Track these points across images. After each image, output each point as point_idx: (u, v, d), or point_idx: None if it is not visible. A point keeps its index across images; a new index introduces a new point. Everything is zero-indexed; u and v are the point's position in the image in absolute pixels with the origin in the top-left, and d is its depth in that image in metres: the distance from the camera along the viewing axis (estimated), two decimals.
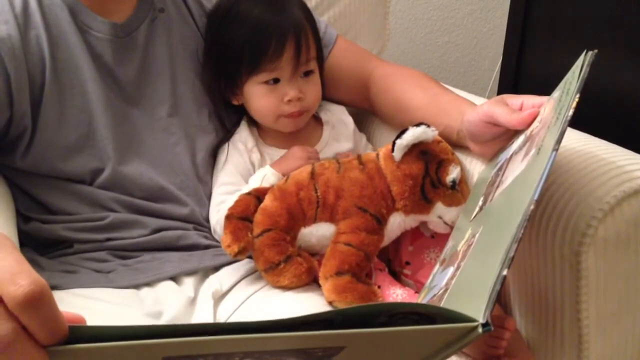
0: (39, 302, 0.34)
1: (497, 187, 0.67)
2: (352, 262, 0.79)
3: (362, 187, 0.82)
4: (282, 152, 0.96)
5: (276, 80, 0.92)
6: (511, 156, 0.70)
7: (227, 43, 0.93)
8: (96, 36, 0.87)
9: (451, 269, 0.61)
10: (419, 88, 0.97)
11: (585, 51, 0.65)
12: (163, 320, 0.79)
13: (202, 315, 0.81)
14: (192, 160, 0.95)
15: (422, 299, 0.65)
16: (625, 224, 0.68)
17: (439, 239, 0.86)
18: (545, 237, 0.71)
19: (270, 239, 0.81)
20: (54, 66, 0.85)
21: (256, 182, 0.91)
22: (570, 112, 0.57)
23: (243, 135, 0.98)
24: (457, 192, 0.82)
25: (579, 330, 0.71)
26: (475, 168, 0.86)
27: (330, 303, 0.78)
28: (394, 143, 0.82)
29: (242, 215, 0.82)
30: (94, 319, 0.37)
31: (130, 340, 0.34)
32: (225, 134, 0.99)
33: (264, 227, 0.82)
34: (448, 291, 0.56)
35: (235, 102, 0.98)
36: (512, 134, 0.76)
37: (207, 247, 0.90)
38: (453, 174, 0.81)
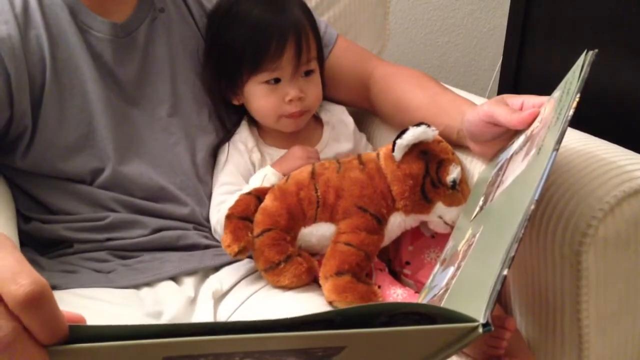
0: (39, 302, 0.34)
1: (498, 187, 0.67)
2: (352, 262, 0.79)
3: (362, 187, 0.82)
4: (283, 152, 0.96)
5: (277, 80, 0.92)
6: (511, 156, 0.70)
7: (227, 43, 0.93)
8: (96, 36, 0.87)
9: (451, 269, 0.61)
10: (419, 88, 0.97)
11: (585, 51, 0.65)
12: (163, 320, 0.79)
13: (202, 315, 0.81)
14: (192, 160, 0.95)
15: (423, 299, 0.65)
16: (626, 224, 0.68)
17: (439, 239, 0.86)
18: (546, 237, 0.71)
19: (270, 238, 0.81)
20: (54, 66, 0.85)
21: (257, 182, 0.91)
22: (571, 112, 0.57)
23: (243, 135, 0.98)
24: (457, 192, 0.82)
25: (579, 330, 0.71)
26: (475, 168, 0.86)
27: (330, 303, 0.78)
28: (394, 143, 0.82)
29: (242, 215, 0.82)
30: (94, 319, 0.37)
31: (130, 339, 0.34)
32: (226, 134, 0.99)
33: (264, 226, 0.82)
34: (448, 291, 0.56)
35: (235, 102, 0.98)
36: (512, 134, 0.76)
37: (207, 247, 0.90)
38: (453, 173, 0.81)
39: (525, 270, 0.75)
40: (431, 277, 0.70)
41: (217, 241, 0.90)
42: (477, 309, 0.40)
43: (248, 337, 0.36)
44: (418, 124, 0.81)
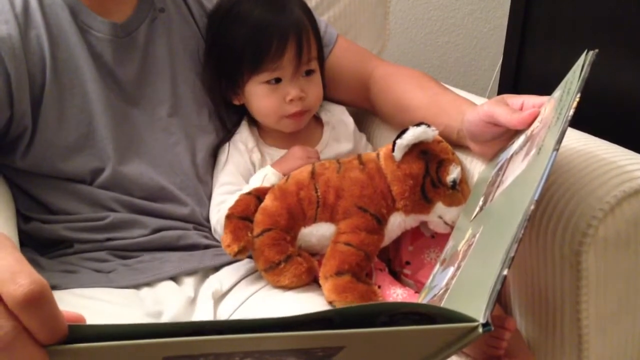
0: (39, 302, 0.34)
1: (498, 187, 0.67)
2: (352, 262, 0.79)
3: (362, 187, 0.82)
4: (283, 152, 0.96)
5: (278, 80, 0.92)
6: (511, 156, 0.70)
7: (228, 43, 0.93)
8: (96, 36, 0.87)
9: (451, 269, 0.61)
10: (419, 88, 0.97)
11: (585, 51, 0.65)
12: (163, 320, 0.79)
13: (202, 315, 0.81)
14: (192, 160, 0.95)
15: (423, 299, 0.65)
16: (626, 224, 0.68)
17: (439, 239, 0.86)
18: (546, 237, 0.71)
19: (270, 238, 0.81)
20: (54, 66, 0.85)
21: (257, 182, 0.91)
22: (571, 112, 0.57)
23: (244, 135, 0.98)
24: (457, 192, 0.82)
25: (579, 330, 0.71)
26: (475, 168, 0.86)
27: (330, 303, 0.78)
28: (394, 143, 0.82)
29: (242, 215, 0.82)
30: (94, 319, 0.37)
31: (129, 339, 0.34)
32: (226, 134, 0.99)
33: (264, 226, 0.82)
34: (448, 291, 0.56)
35: (236, 102, 0.98)
36: (512, 134, 0.76)
37: (207, 247, 0.90)
38: (453, 173, 0.81)
39: (525, 270, 0.75)
40: (431, 277, 0.70)
41: (217, 241, 0.90)
42: (477, 309, 0.40)
43: (248, 337, 0.36)
44: (418, 124, 0.81)
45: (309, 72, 0.94)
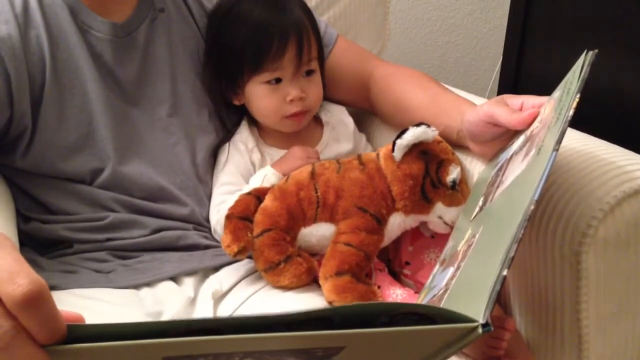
0: (37, 302, 0.34)
1: (497, 187, 0.67)
2: (352, 262, 0.79)
3: (362, 187, 0.82)
4: (283, 152, 0.96)
5: (278, 80, 0.92)
6: (511, 156, 0.70)
7: (228, 43, 0.93)
8: (96, 36, 0.87)
9: (451, 269, 0.61)
10: (419, 88, 0.97)
11: (585, 51, 0.65)
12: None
13: (202, 315, 0.81)
14: (192, 160, 0.95)
15: (422, 299, 0.65)
16: (625, 224, 0.68)
17: (439, 239, 0.86)
18: (545, 237, 0.71)
19: (270, 238, 0.81)
20: (54, 66, 0.85)
21: (257, 182, 0.91)
22: (571, 112, 0.57)
23: (244, 136, 0.98)
24: (457, 192, 0.82)
25: (579, 330, 0.71)
26: (475, 168, 0.86)
27: (330, 303, 0.78)
28: (394, 143, 0.82)
29: (242, 215, 0.82)
30: (94, 319, 0.37)
31: (129, 338, 0.34)
32: (226, 134, 0.99)
33: (264, 227, 0.82)
34: (448, 291, 0.56)
35: (236, 102, 0.98)
36: (512, 134, 0.76)
37: (207, 247, 0.90)
38: (453, 174, 0.81)
39: (525, 271, 0.75)
40: (431, 278, 0.70)
41: (217, 241, 0.90)
42: (477, 309, 0.40)
43: (248, 337, 0.35)
44: (418, 124, 0.81)
45: (309, 72, 0.94)
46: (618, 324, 0.73)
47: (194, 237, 0.90)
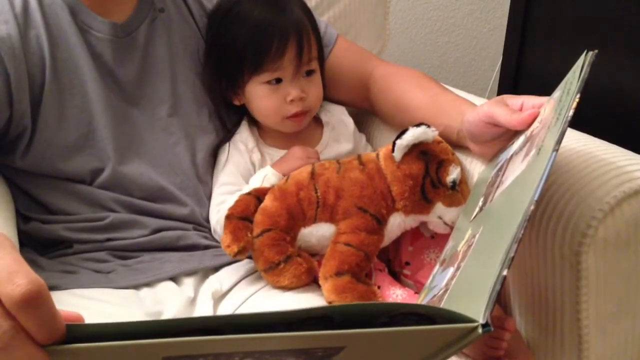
0: (36, 302, 0.34)
1: (497, 187, 0.67)
2: (352, 263, 0.79)
3: (362, 187, 0.82)
4: (283, 152, 0.96)
5: (278, 80, 0.92)
6: (511, 156, 0.70)
7: (228, 43, 0.93)
8: (96, 36, 0.87)
9: (451, 270, 0.61)
10: (419, 88, 0.97)
11: (585, 51, 0.65)
12: None
13: (202, 315, 0.81)
14: (192, 160, 0.95)
15: (422, 299, 0.65)
16: (625, 224, 0.68)
17: (439, 240, 0.86)
18: (545, 237, 0.71)
19: (270, 239, 0.81)
20: (54, 66, 0.85)
21: (257, 182, 0.91)
22: (571, 113, 0.57)
23: (244, 136, 0.98)
24: (457, 193, 0.82)
25: (579, 330, 0.71)
26: (475, 168, 0.86)
27: (330, 303, 0.78)
28: (394, 143, 0.82)
29: (242, 215, 0.82)
30: (93, 320, 0.37)
31: (128, 338, 0.34)
32: (226, 134, 0.99)
33: (264, 227, 0.82)
34: (448, 292, 0.56)
35: (236, 103, 0.98)
36: (512, 134, 0.76)
37: (206, 247, 0.90)
38: (453, 174, 0.81)
39: (525, 271, 0.75)
40: (431, 278, 0.70)
41: (217, 241, 0.90)
42: (477, 310, 0.40)
43: (247, 337, 0.35)
44: (418, 125, 0.81)
45: (309, 73, 0.94)
46: (618, 324, 0.73)
47: (193, 237, 0.90)
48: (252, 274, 0.86)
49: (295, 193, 0.83)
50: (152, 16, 0.92)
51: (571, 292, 0.70)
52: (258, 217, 0.83)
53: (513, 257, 0.46)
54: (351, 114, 1.06)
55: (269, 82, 0.92)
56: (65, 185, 0.88)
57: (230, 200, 0.86)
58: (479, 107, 0.78)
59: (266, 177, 0.91)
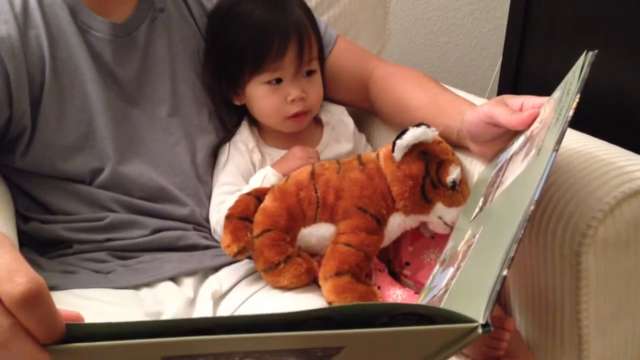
0: (36, 301, 0.34)
1: (497, 187, 0.67)
2: (351, 263, 0.78)
3: (362, 188, 0.82)
4: (283, 152, 0.96)
5: (279, 80, 0.92)
6: (511, 157, 0.70)
7: (228, 43, 0.92)
8: (96, 36, 0.87)
9: (451, 270, 0.61)
10: (419, 88, 0.97)
11: (585, 51, 0.65)
12: None
13: (202, 315, 0.80)
14: (192, 160, 0.95)
15: (422, 299, 0.65)
16: (625, 225, 0.68)
17: (439, 240, 0.86)
18: (545, 238, 0.71)
19: (270, 239, 0.81)
20: (53, 66, 0.84)
21: (257, 182, 0.91)
22: (571, 113, 0.57)
23: (244, 136, 0.98)
24: (457, 193, 0.82)
25: (578, 330, 0.71)
26: (475, 168, 0.86)
27: (330, 303, 0.78)
28: (394, 143, 0.82)
29: (242, 215, 0.82)
30: (93, 320, 0.37)
31: (128, 337, 0.34)
32: (226, 134, 0.99)
33: (263, 227, 0.82)
34: (448, 292, 0.56)
35: (237, 103, 0.98)
36: (512, 134, 0.76)
37: (206, 247, 0.90)
38: (453, 174, 0.81)
39: (525, 271, 0.75)
40: (431, 278, 0.70)
41: (217, 241, 0.90)
42: (477, 310, 0.40)
43: (247, 337, 0.35)
44: (418, 125, 0.81)
45: (309, 73, 0.94)
46: (618, 324, 0.73)
47: (193, 237, 0.90)
48: (251, 274, 0.86)
49: (295, 193, 0.83)
50: (152, 16, 0.92)
51: (571, 292, 0.70)
52: (258, 217, 0.82)
53: (513, 257, 0.45)
54: (351, 114, 1.06)
55: (269, 82, 0.92)
56: (65, 185, 0.88)
57: (230, 200, 0.86)
58: (479, 107, 0.78)
59: (266, 177, 0.90)
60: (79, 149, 0.87)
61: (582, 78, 0.60)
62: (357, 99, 1.07)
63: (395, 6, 1.78)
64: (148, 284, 0.84)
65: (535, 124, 0.69)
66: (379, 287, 0.81)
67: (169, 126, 0.93)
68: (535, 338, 0.77)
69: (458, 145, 0.86)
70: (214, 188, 0.95)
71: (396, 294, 0.81)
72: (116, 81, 0.89)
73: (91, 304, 0.79)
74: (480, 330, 0.38)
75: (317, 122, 1.03)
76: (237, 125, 1.00)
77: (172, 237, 0.89)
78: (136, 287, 0.84)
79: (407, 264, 0.88)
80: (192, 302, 0.83)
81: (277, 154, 0.97)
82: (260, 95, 0.93)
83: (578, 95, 0.58)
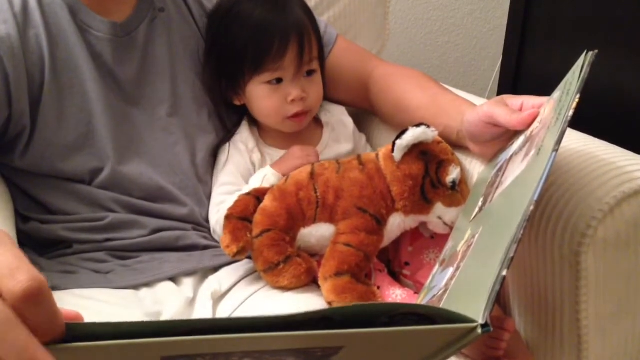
0: (37, 298, 0.34)
1: (497, 187, 0.67)
2: (351, 263, 0.78)
3: (361, 188, 0.82)
4: (283, 152, 0.96)
5: (279, 80, 0.92)
6: (511, 157, 0.70)
7: (228, 43, 0.92)
8: (96, 35, 0.87)
9: (451, 270, 0.61)
10: (419, 88, 0.97)
11: (585, 51, 0.65)
12: None
13: (201, 316, 0.80)
14: (192, 160, 0.95)
15: (422, 299, 0.65)
16: (625, 225, 0.68)
17: (439, 240, 0.86)
18: (545, 238, 0.70)
19: (269, 239, 0.81)
20: (53, 65, 0.84)
21: (256, 182, 0.91)
22: (571, 113, 0.57)
23: (244, 136, 0.98)
24: (457, 193, 0.82)
25: (578, 330, 0.71)
26: (475, 168, 0.86)
27: (329, 304, 0.78)
28: (393, 143, 0.82)
29: (241, 216, 0.82)
30: (93, 320, 0.37)
31: (127, 337, 0.34)
32: (226, 134, 0.99)
33: (263, 227, 0.82)
34: (447, 292, 0.56)
35: (237, 103, 0.98)
36: (512, 134, 0.76)
37: (206, 247, 0.90)
38: (453, 174, 0.81)
39: (524, 271, 0.75)
40: (430, 278, 0.70)
41: (216, 241, 0.90)
42: (476, 310, 0.40)
43: (246, 337, 0.35)
44: (418, 125, 0.81)
45: (310, 72, 0.94)
46: (618, 324, 0.73)
47: (193, 237, 0.90)
48: (251, 274, 0.86)
49: (295, 193, 0.83)
50: (152, 16, 0.92)
51: (571, 292, 0.70)
52: (257, 217, 0.82)
53: (513, 258, 0.45)
54: (351, 114, 1.06)
55: (269, 82, 0.92)
56: (64, 185, 0.88)
57: (230, 201, 0.86)
58: (479, 107, 0.78)
59: (266, 177, 0.90)
60: (79, 148, 0.87)
61: (582, 78, 0.60)
62: (357, 99, 1.07)
63: (395, 6, 1.78)
64: (147, 284, 0.84)
65: (535, 124, 0.69)
66: (378, 287, 0.81)
67: (169, 126, 0.93)
68: (535, 338, 0.77)
69: (458, 145, 0.86)
70: (213, 188, 0.95)
71: (396, 294, 0.81)
72: (116, 81, 0.89)
73: (91, 303, 0.79)
74: (479, 331, 0.38)
75: (317, 122, 1.03)
76: (237, 125, 1.00)
77: (172, 237, 0.89)
78: (136, 287, 0.84)
79: (407, 264, 0.88)
80: (191, 302, 0.83)
81: (277, 154, 0.97)
82: (261, 95, 0.93)
83: (578, 95, 0.58)
